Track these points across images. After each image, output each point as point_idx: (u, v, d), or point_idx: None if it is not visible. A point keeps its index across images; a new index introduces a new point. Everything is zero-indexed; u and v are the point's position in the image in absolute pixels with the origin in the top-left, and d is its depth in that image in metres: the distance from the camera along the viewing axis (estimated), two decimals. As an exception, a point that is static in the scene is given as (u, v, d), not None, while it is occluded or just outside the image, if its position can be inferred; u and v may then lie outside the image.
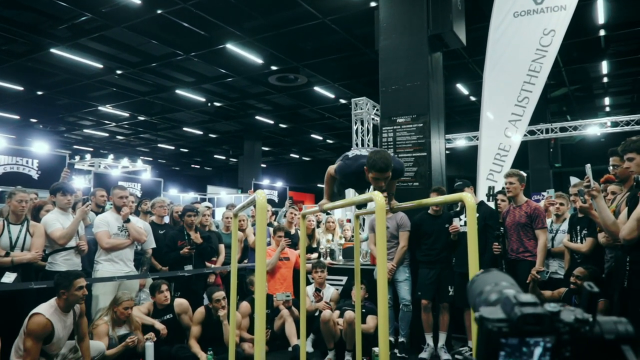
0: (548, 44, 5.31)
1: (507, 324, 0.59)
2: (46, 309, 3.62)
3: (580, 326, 0.60)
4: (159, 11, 9.35)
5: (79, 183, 12.59)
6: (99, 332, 4.11)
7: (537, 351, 0.59)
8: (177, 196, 17.73)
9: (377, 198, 2.44)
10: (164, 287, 4.68)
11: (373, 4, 8.87)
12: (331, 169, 3.37)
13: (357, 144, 10.37)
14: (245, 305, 5.09)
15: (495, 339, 0.59)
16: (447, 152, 13.14)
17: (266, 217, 2.33)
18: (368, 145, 10.63)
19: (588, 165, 3.15)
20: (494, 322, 0.60)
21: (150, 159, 26.96)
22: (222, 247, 5.91)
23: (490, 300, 0.67)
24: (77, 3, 9.05)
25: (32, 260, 4.13)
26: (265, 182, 19.25)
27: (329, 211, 5.54)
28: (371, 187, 3.09)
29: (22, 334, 3.59)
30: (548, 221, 4.91)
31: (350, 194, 9.05)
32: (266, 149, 24.19)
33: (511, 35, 5.50)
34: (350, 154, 3.30)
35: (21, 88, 14.07)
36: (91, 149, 24.12)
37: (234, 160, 26.29)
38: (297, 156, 27.98)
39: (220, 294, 4.71)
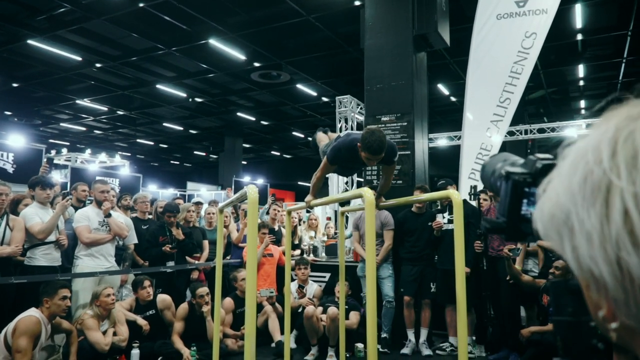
0: (529, 47, 5.43)
1: (530, 175, 0.68)
2: (34, 312, 3.57)
3: None
4: (140, 4, 9.22)
5: (55, 178, 12.32)
6: (89, 325, 4.04)
7: None
8: (156, 192, 17.50)
9: (366, 194, 2.47)
10: (147, 282, 4.65)
11: (357, 3, 8.91)
12: (324, 159, 3.37)
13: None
14: (228, 301, 5.08)
15: (520, 189, 0.68)
16: (430, 146, 13.27)
17: (257, 212, 2.34)
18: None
19: None
20: (519, 174, 0.68)
21: (129, 154, 26.54)
22: (205, 243, 5.88)
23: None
24: (56, -7, 8.87)
25: (11, 255, 4.05)
26: (246, 179, 19.16)
27: (309, 209, 5.59)
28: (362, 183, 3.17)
29: (4, 338, 3.49)
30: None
31: (334, 188, 9.11)
32: (247, 145, 24.05)
33: (494, 37, 5.60)
34: (342, 134, 3.34)
35: (-5, 79, 13.73)
36: (67, 143, 23.63)
37: (214, 156, 26.08)
38: (278, 154, 27.90)
39: (203, 290, 4.69)
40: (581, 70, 13.20)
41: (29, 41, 10.83)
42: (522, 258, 4.67)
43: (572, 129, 13.15)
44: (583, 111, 18.02)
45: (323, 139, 3.87)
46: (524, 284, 4.41)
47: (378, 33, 5.61)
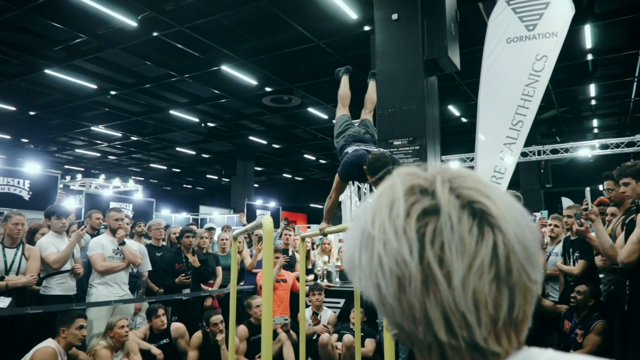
0: (541, 69, 5.42)
1: None
2: (51, 343, 3.57)
3: None
4: (154, 33, 9.43)
5: (70, 203, 12.47)
6: (102, 355, 4.02)
7: None
8: (169, 216, 17.60)
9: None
10: (161, 311, 4.63)
11: (367, 28, 9.02)
12: (336, 177, 3.42)
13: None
14: (242, 328, 5.03)
15: None
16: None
17: (273, 243, 2.33)
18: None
19: (588, 189, 3.20)
20: None
21: (142, 178, 26.82)
22: (219, 269, 5.86)
23: None
24: (73, 25, 9.11)
25: (26, 284, 4.07)
26: (258, 202, 19.20)
27: (323, 236, 5.57)
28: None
29: None
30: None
31: (347, 213, 9.08)
32: (259, 169, 24.19)
33: (504, 60, 5.61)
34: (350, 149, 3.37)
35: (14, 108, 14.02)
36: (82, 169, 23.96)
37: (227, 180, 26.25)
38: (290, 176, 28.00)
39: (217, 318, 4.66)
40: (593, 89, 13.16)
41: (46, 71, 11.10)
42: (542, 282, 4.58)
43: (585, 149, 13.01)
44: (596, 130, 17.89)
45: (344, 97, 4.10)
46: (544, 310, 4.31)
47: (389, 58, 5.65)
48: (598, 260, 3.72)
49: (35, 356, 3.44)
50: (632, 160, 12.70)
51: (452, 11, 5.78)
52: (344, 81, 4.26)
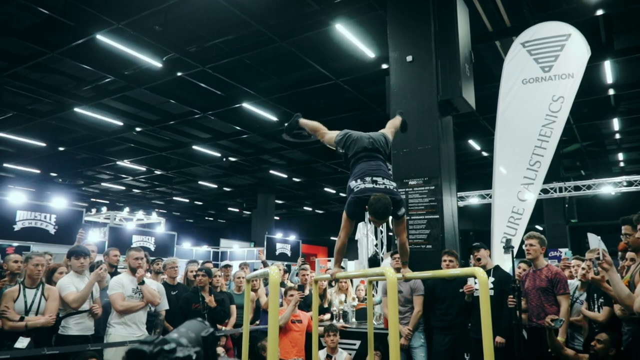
0: (557, 110, 5.40)
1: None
2: None
3: None
4: (179, 73, 9.76)
5: (94, 237, 12.74)
6: None
7: None
8: (190, 250, 17.77)
9: (388, 274, 2.46)
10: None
11: (384, 66, 9.16)
12: (344, 215, 3.44)
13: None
14: (256, 371, 4.99)
15: None
16: (462, 205, 13.00)
17: (279, 293, 2.35)
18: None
19: (599, 239, 3.12)
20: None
21: (165, 211, 27.24)
22: (233, 308, 5.84)
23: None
24: (101, 66, 9.52)
25: (45, 325, 4.14)
26: (278, 235, 19.23)
27: (335, 281, 5.52)
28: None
29: None
30: (573, 285, 4.77)
31: (364, 251, 9.03)
32: (280, 202, 24.32)
33: (520, 101, 5.61)
34: (353, 184, 3.43)
35: (44, 144, 14.55)
36: (107, 202, 24.50)
37: (248, 212, 26.43)
38: (311, 209, 28.04)
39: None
40: (616, 123, 12.98)
41: (76, 109, 11.54)
42: (565, 329, 4.42)
43: (608, 187, 12.68)
44: (622, 164, 17.51)
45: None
46: (566, 358, 4.16)
47: (403, 99, 5.72)
48: (617, 309, 3.59)
49: None
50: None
51: (466, 52, 5.85)
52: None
